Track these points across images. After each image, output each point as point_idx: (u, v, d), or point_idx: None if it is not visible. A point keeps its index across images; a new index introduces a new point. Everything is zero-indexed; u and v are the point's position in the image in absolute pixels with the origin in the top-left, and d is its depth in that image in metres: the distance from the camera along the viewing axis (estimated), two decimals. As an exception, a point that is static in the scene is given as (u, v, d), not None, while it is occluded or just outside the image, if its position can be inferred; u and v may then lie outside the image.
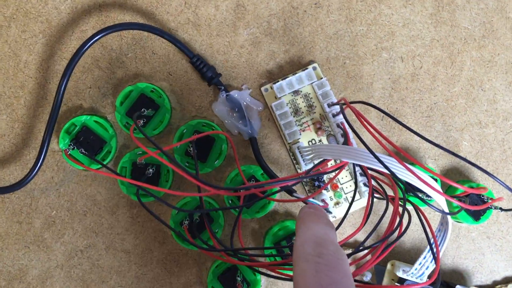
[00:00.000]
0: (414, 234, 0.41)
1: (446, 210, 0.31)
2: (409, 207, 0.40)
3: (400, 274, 0.38)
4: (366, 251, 0.33)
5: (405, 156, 0.31)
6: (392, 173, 0.30)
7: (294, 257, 0.26)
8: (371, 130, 0.32)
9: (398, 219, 0.32)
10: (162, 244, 0.40)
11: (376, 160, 0.30)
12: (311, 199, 0.33)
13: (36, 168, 0.37)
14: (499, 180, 0.36)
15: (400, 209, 0.32)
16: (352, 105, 0.34)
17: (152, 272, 0.39)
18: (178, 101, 0.40)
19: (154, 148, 0.38)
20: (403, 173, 0.30)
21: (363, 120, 0.32)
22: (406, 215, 0.33)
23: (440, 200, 0.31)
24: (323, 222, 0.28)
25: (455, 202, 0.29)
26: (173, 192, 0.33)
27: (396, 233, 0.32)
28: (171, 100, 0.39)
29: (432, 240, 0.33)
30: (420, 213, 0.34)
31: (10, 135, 0.39)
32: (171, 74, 0.39)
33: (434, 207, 0.32)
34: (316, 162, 0.39)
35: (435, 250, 0.33)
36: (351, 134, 0.38)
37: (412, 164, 0.33)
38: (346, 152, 0.32)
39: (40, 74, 0.39)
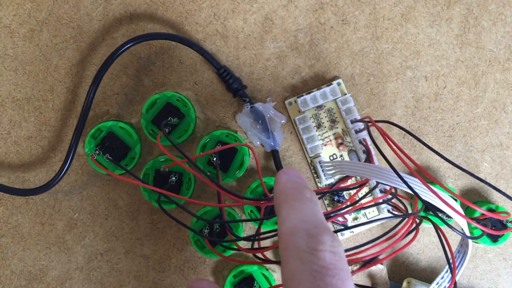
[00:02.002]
0: (430, 252, 0.41)
1: (468, 233, 0.32)
2: (428, 225, 0.40)
3: (416, 292, 0.39)
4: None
5: (426, 175, 0.31)
6: (415, 193, 0.30)
7: (282, 249, 0.22)
8: (396, 149, 0.32)
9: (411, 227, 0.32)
10: (181, 251, 0.40)
11: (399, 179, 0.30)
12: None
13: (63, 172, 0.37)
14: None
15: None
16: (378, 124, 0.34)
17: (170, 278, 0.40)
18: (202, 110, 0.40)
19: (179, 157, 0.39)
20: (425, 193, 0.30)
21: (387, 138, 0.33)
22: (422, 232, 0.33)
23: (462, 222, 0.31)
24: (307, 198, 0.25)
25: (478, 226, 0.29)
26: (195, 201, 0.34)
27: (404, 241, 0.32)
28: (196, 110, 0.39)
29: (451, 261, 0.33)
30: (440, 232, 0.34)
31: (37, 138, 0.40)
32: (197, 84, 0.40)
33: (456, 229, 0.33)
34: (336, 177, 0.39)
35: (453, 266, 0.33)
36: (373, 151, 0.38)
37: (432, 183, 0.34)
38: (369, 170, 0.33)
39: (69, 79, 0.40)
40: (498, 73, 0.41)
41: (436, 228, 0.34)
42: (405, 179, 0.30)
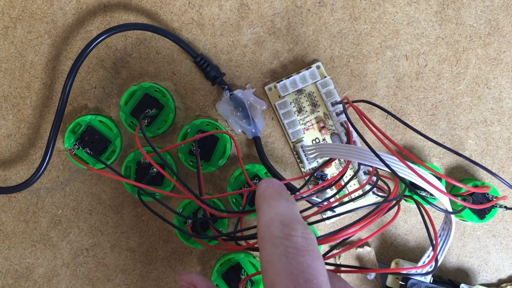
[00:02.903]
0: (418, 232, 0.41)
1: (449, 209, 0.31)
2: (413, 205, 0.40)
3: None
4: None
5: (408, 156, 0.31)
6: (394, 172, 0.29)
7: (259, 239, 0.24)
8: (374, 129, 0.32)
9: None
10: (167, 243, 0.40)
11: (377, 159, 0.30)
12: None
13: (42, 168, 0.37)
14: (503, 179, 0.35)
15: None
16: (355, 104, 0.34)
17: (157, 271, 0.40)
18: (182, 100, 0.40)
19: (160, 147, 0.38)
20: (405, 172, 0.30)
21: (365, 119, 0.32)
22: (409, 212, 0.32)
23: (443, 199, 0.31)
24: (284, 198, 0.27)
25: (458, 202, 0.29)
26: (173, 195, 0.33)
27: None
28: (175, 100, 0.39)
29: (433, 236, 0.33)
30: (423, 211, 0.34)
31: (16, 135, 0.39)
32: (175, 74, 0.40)
33: (437, 206, 0.32)
34: (320, 161, 0.39)
35: (434, 242, 0.32)
36: (354, 133, 0.38)
37: (415, 163, 0.33)
38: (349, 151, 0.32)
39: (45, 75, 0.39)
40: (480, 48, 0.40)
41: (418, 205, 0.34)
42: (383, 157, 0.30)
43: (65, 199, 0.40)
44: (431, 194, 0.37)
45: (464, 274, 0.41)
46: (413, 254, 0.41)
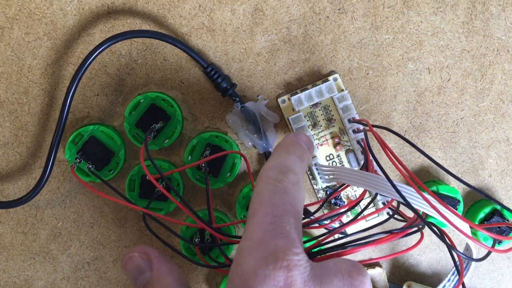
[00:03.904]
0: (432, 253, 0.39)
1: (473, 253, 0.30)
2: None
3: (416, 297, 0.37)
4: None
5: (422, 187, 0.29)
6: (413, 210, 0.28)
7: (257, 180, 0.27)
8: (394, 160, 0.30)
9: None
10: (171, 258, 0.38)
11: (395, 192, 0.28)
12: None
13: (43, 182, 0.35)
14: (471, 186, 0.34)
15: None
16: (375, 129, 0.32)
17: (161, 286, 0.38)
18: (190, 110, 0.37)
19: (166, 161, 0.37)
20: (427, 210, 0.29)
21: (386, 149, 0.30)
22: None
23: (469, 242, 0.29)
24: (296, 154, 0.29)
25: (485, 233, 0.28)
26: (181, 223, 0.31)
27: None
28: (182, 110, 0.37)
29: (458, 263, 0.31)
30: (447, 239, 0.32)
31: (14, 144, 0.37)
32: (183, 82, 0.37)
33: (460, 252, 0.31)
34: (333, 183, 0.37)
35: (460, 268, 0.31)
36: (374, 163, 0.36)
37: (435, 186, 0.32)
38: (369, 181, 0.30)
39: (45, 80, 0.37)
40: (507, 63, 0.38)
41: (442, 234, 0.32)
42: (404, 193, 0.28)
43: (66, 211, 0.38)
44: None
45: (476, 296, 0.40)
46: (426, 275, 0.39)
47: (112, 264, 0.38)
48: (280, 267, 0.22)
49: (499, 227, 0.37)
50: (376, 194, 0.33)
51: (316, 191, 0.38)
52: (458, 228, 0.28)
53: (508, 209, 0.33)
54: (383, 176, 0.29)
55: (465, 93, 0.38)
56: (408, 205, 0.28)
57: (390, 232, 0.28)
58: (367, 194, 0.38)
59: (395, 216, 0.36)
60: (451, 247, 0.30)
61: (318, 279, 0.23)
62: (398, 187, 0.28)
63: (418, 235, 0.30)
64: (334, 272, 0.23)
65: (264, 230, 0.23)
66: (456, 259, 0.31)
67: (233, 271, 0.23)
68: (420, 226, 0.30)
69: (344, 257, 0.27)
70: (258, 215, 0.24)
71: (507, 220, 0.37)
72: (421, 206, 0.28)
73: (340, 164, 0.38)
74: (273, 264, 0.22)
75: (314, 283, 0.22)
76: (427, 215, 0.30)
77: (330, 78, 0.37)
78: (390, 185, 0.28)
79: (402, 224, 0.38)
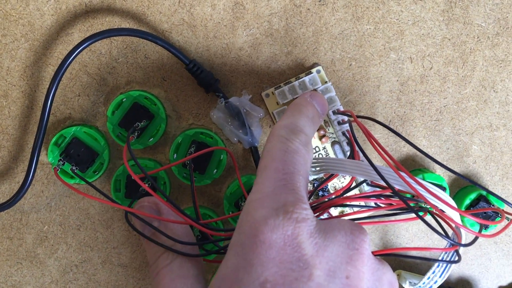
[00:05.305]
0: (420, 241, 0.40)
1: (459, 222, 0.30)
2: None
3: (406, 286, 0.37)
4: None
5: (408, 175, 0.29)
6: (403, 199, 0.28)
7: (269, 137, 0.28)
8: (380, 149, 0.30)
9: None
10: (161, 257, 0.38)
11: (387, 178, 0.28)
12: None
13: (26, 186, 0.35)
14: (500, 197, 0.34)
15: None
16: (360, 119, 0.32)
17: (151, 286, 0.38)
18: (173, 108, 0.37)
19: (151, 159, 0.36)
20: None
21: (372, 140, 0.30)
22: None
23: (454, 216, 0.29)
24: (308, 116, 0.30)
25: (472, 219, 0.28)
26: (169, 220, 0.31)
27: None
28: (166, 108, 0.37)
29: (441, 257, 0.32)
30: (440, 218, 0.32)
31: (-5, 148, 0.36)
32: (166, 80, 0.37)
33: (447, 237, 0.31)
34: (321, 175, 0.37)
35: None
36: (360, 154, 0.36)
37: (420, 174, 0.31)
38: (359, 168, 0.30)
39: (24, 82, 0.36)
40: (487, 49, 0.38)
41: (435, 215, 0.32)
42: (388, 175, 0.28)
43: (51, 214, 0.37)
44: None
45: (464, 282, 0.40)
46: (415, 263, 0.40)
47: (101, 266, 0.38)
48: (290, 218, 0.24)
49: (485, 213, 0.38)
50: (364, 181, 0.33)
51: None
52: (450, 217, 0.28)
53: (493, 194, 0.33)
54: (367, 162, 0.29)
55: (447, 81, 0.38)
56: (399, 197, 0.28)
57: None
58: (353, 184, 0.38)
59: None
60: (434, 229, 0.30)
61: (323, 233, 0.24)
62: (385, 172, 0.28)
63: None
64: (338, 228, 0.25)
65: (274, 185, 0.25)
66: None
67: (242, 219, 0.25)
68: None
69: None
70: (270, 170, 0.26)
71: (492, 205, 0.38)
72: (402, 186, 0.28)
73: (326, 156, 0.38)
74: (283, 215, 0.24)
75: (319, 236, 0.24)
76: (417, 202, 0.30)
77: (313, 70, 0.37)
78: (374, 170, 0.28)
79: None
